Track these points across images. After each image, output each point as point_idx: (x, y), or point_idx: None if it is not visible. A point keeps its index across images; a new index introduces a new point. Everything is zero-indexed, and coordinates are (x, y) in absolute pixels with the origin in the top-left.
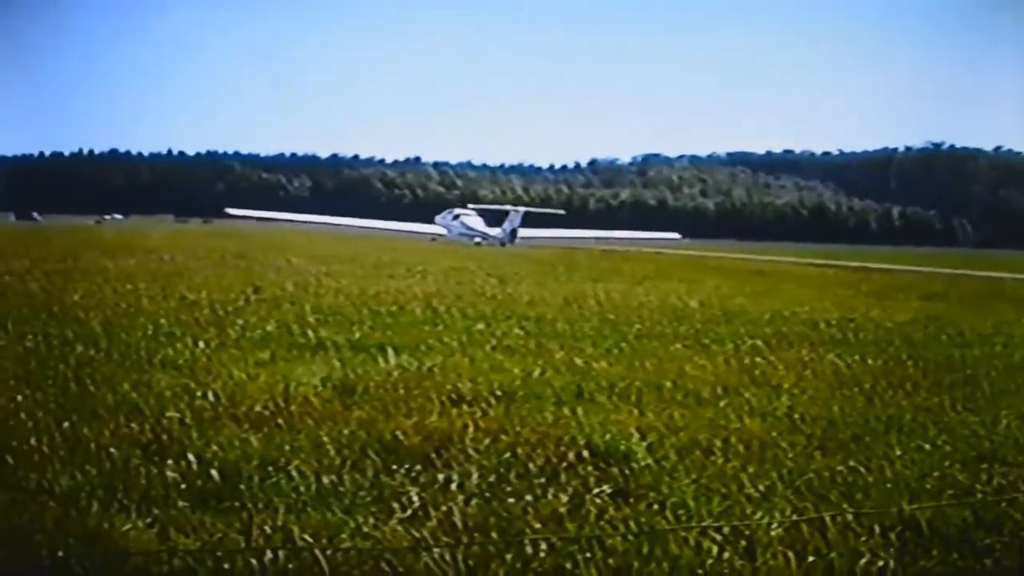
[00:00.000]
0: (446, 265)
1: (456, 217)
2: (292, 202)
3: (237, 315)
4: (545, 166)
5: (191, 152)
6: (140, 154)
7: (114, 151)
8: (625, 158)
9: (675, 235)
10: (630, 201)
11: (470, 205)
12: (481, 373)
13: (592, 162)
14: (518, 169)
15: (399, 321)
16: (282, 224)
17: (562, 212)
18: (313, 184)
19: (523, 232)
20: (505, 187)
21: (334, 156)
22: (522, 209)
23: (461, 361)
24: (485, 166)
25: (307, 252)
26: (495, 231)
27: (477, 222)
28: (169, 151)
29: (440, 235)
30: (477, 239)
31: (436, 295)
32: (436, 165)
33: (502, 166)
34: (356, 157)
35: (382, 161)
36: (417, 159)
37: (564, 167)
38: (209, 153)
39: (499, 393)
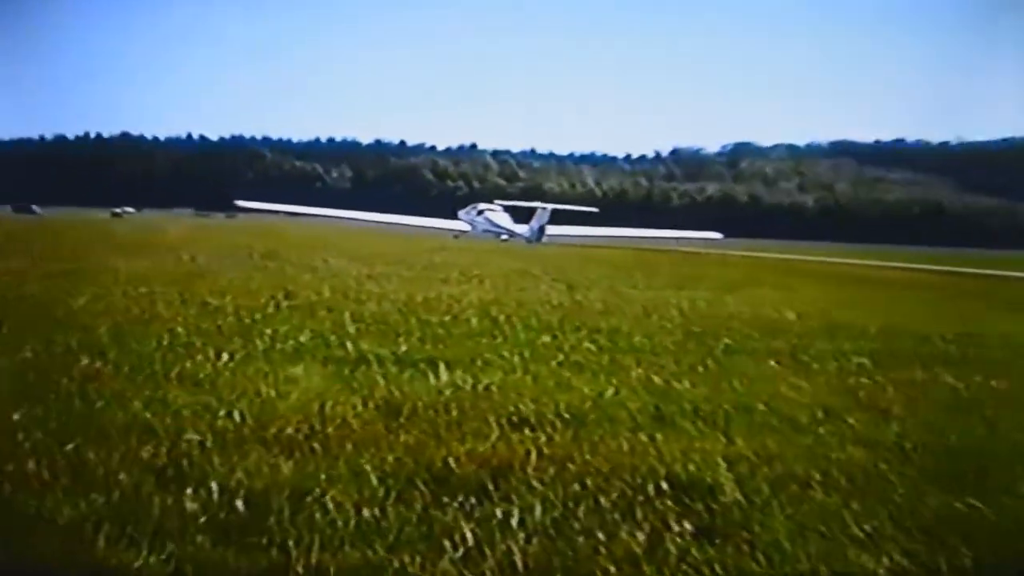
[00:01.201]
0: (506, 268)
1: (481, 213)
2: (330, 194)
3: (266, 323)
4: (620, 155)
5: (214, 137)
6: (155, 139)
7: (125, 135)
8: (712, 147)
9: (715, 234)
10: (718, 196)
11: (497, 201)
12: (546, 393)
13: (674, 152)
14: (590, 159)
15: (452, 332)
16: (318, 219)
17: (594, 209)
18: (354, 174)
19: (552, 230)
20: (575, 179)
21: (377, 143)
22: (550, 206)
23: (523, 379)
24: (552, 155)
25: (347, 251)
26: (522, 228)
27: (504, 218)
28: (189, 136)
29: (463, 231)
30: (504, 236)
31: (495, 302)
32: (495, 154)
33: (571, 156)
34: (403, 144)
35: (433, 148)
36: (473, 146)
37: (642, 157)
38: (234, 138)
39: (566, 416)
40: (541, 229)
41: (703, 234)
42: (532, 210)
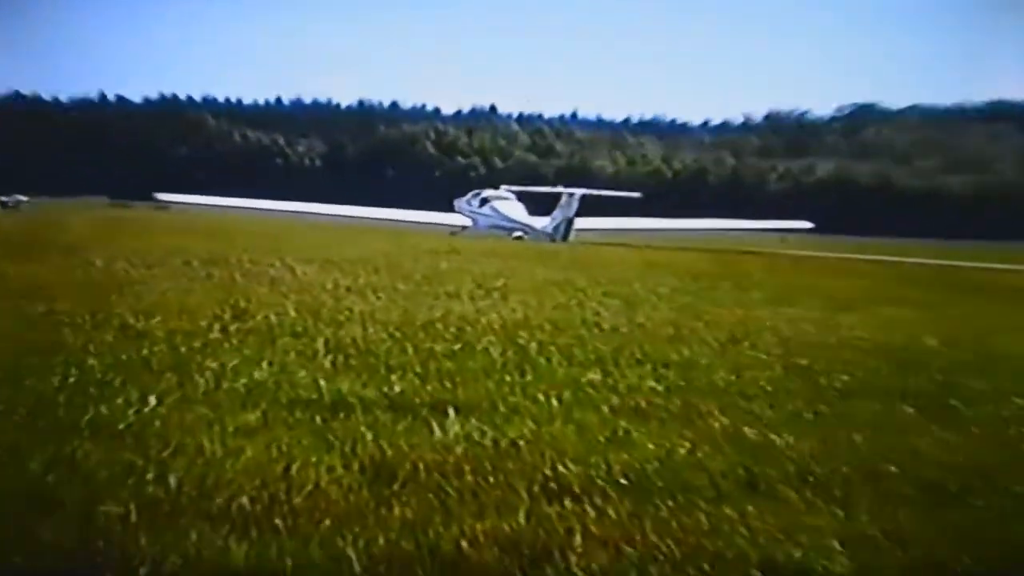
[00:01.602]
0: (539, 278)
1: (485, 202)
2: (296, 175)
3: (209, 354)
4: (696, 121)
5: (135, 97)
6: (57, 100)
7: (17, 95)
8: (823, 110)
9: (806, 223)
10: (833, 176)
11: (504, 186)
12: (594, 450)
13: (770, 117)
14: (654, 126)
15: (465, 366)
16: (283, 210)
17: (636, 194)
18: (328, 148)
19: (581, 223)
20: (633, 153)
21: (361, 105)
22: (579, 191)
23: (563, 431)
24: (602, 121)
25: (319, 255)
26: (541, 222)
27: (516, 209)
28: (102, 96)
29: (462, 228)
30: (517, 233)
31: (524, 325)
32: (523, 119)
33: (628, 122)
34: (395, 107)
35: (436, 112)
36: (492, 109)
37: (726, 124)
38: (164, 100)
39: (623, 482)
40: (568, 223)
41: (791, 224)
42: (554, 197)
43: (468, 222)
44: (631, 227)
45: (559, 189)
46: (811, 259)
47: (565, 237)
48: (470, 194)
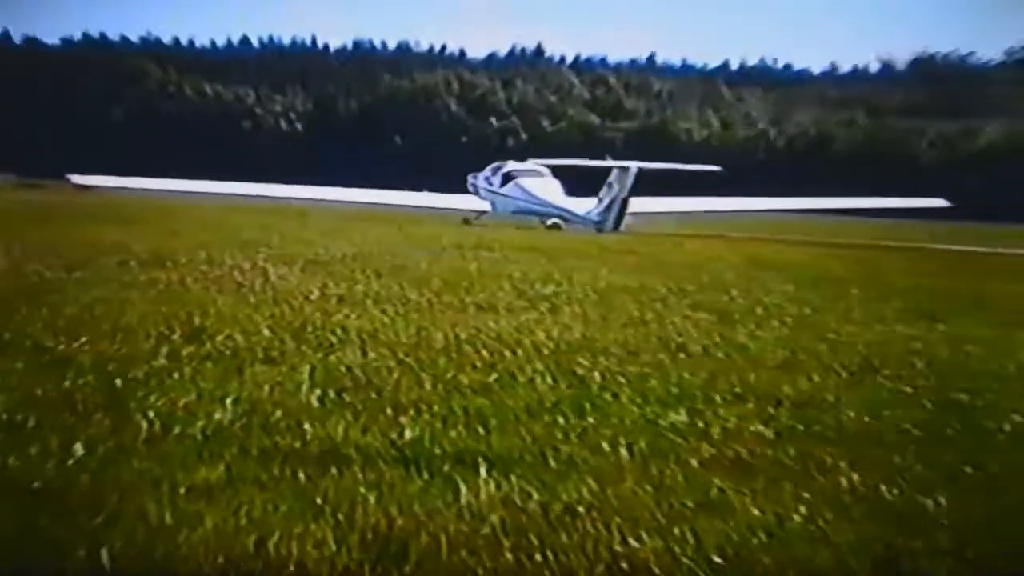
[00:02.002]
0: (601, 283)
1: (509, 178)
2: (269, 142)
3: (154, 388)
4: (817, 68)
5: (50, 38)
6: None
7: None
8: (990, 52)
9: (939, 201)
10: (1004, 142)
11: (533, 160)
12: (679, 518)
13: (918, 62)
14: (759, 75)
15: (502, 404)
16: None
17: (716, 168)
18: (314, 104)
19: (637, 205)
20: (731, 112)
21: (357, 47)
22: (634, 165)
23: (636, 492)
24: (688, 67)
25: (301, 251)
26: (583, 205)
27: (549, 189)
28: (6, 37)
29: (481, 212)
30: (552, 220)
31: (583, 347)
32: (580, 64)
33: (724, 69)
34: (405, 49)
35: (462, 56)
36: (539, 52)
37: (857, 72)
38: (89, 40)
39: (718, 560)
40: (622, 206)
41: (920, 202)
42: (599, 173)
43: (486, 206)
44: (702, 209)
45: (608, 163)
46: (973, 255)
47: (617, 225)
48: (488, 168)
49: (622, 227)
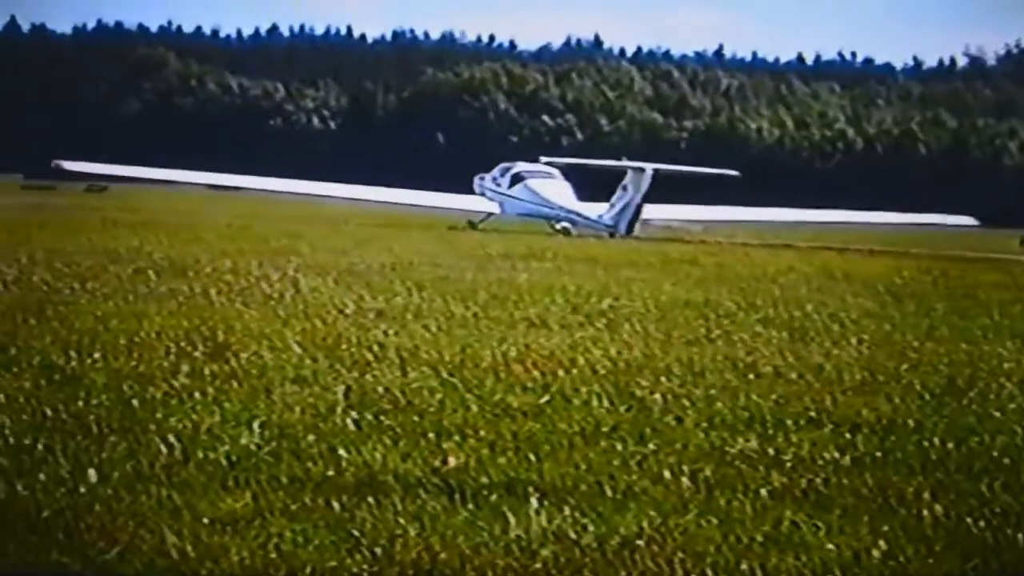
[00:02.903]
0: (662, 296)
1: (518, 180)
2: (302, 140)
3: (174, 410)
4: (900, 63)
5: (61, 27)
6: None
7: None
8: None
9: (968, 219)
10: None
11: (545, 159)
12: (748, 552)
13: (1011, 57)
14: (836, 69)
15: (555, 428)
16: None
17: (733, 173)
18: (350, 102)
19: (651, 212)
20: (805, 110)
21: (396, 37)
22: (650, 167)
23: (701, 524)
24: (758, 61)
25: (335, 260)
26: (596, 210)
27: (559, 191)
28: (13, 25)
29: (489, 214)
30: (562, 224)
31: (643, 367)
32: (642, 59)
33: (798, 63)
34: (449, 39)
35: (511, 48)
36: (597, 43)
37: (944, 67)
38: (106, 31)
39: None
40: (636, 210)
41: (951, 219)
42: (614, 174)
43: (494, 208)
44: (719, 218)
45: (624, 163)
46: None
47: (630, 230)
48: (497, 169)
49: (635, 232)
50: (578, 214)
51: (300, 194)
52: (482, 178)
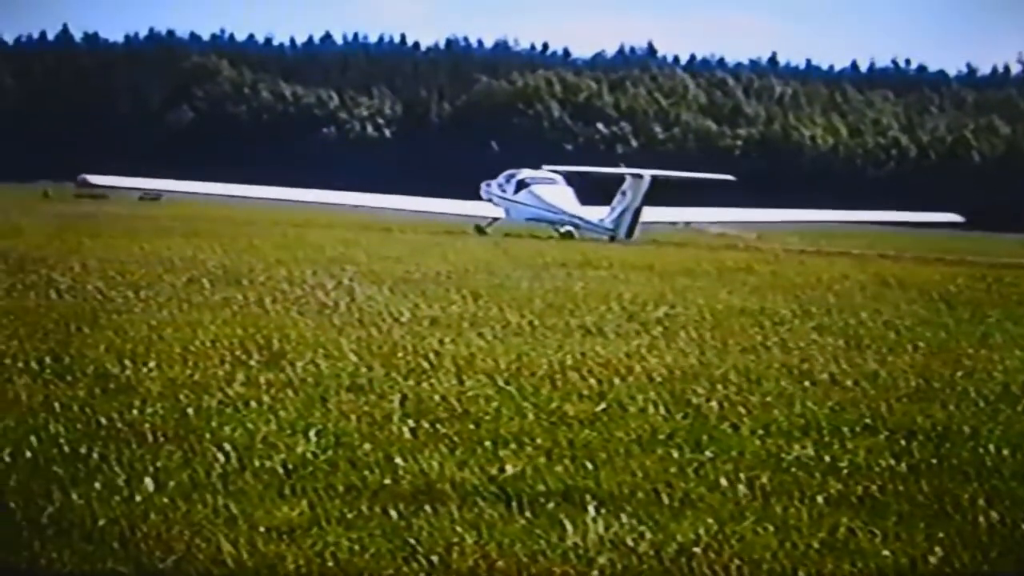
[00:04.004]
0: (722, 304)
1: (523, 187)
2: (356, 148)
3: (229, 418)
4: (954, 69)
5: (114, 36)
6: None
7: None
8: None
9: (954, 216)
10: None
11: (547, 167)
12: (804, 559)
13: None
14: (890, 76)
15: (611, 436)
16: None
17: (728, 177)
18: (404, 110)
19: (650, 215)
20: (859, 117)
21: (450, 45)
22: (648, 173)
23: (758, 531)
24: (812, 68)
25: (390, 269)
26: (597, 213)
27: (562, 196)
28: (65, 34)
29: (494, 219)
30: (565, 227)
31: (699, 375)
32: (696, 66)
33: (852, 71)
34: (504, 47)
35: (565, 56)
36: (651, 50)
37: (997, 74)
38: (158, 39)
39: None
40: (635, 215)
41: (936, 216)
42: (612, 181)
43: (500, 212)
44: (720, 220)
45: (622, 170)
46: None
47: (630, 233)
48: (502, 176)
49: (635, 236)
50: (580, 218)
51: (303, 202)
52: (488, 184)
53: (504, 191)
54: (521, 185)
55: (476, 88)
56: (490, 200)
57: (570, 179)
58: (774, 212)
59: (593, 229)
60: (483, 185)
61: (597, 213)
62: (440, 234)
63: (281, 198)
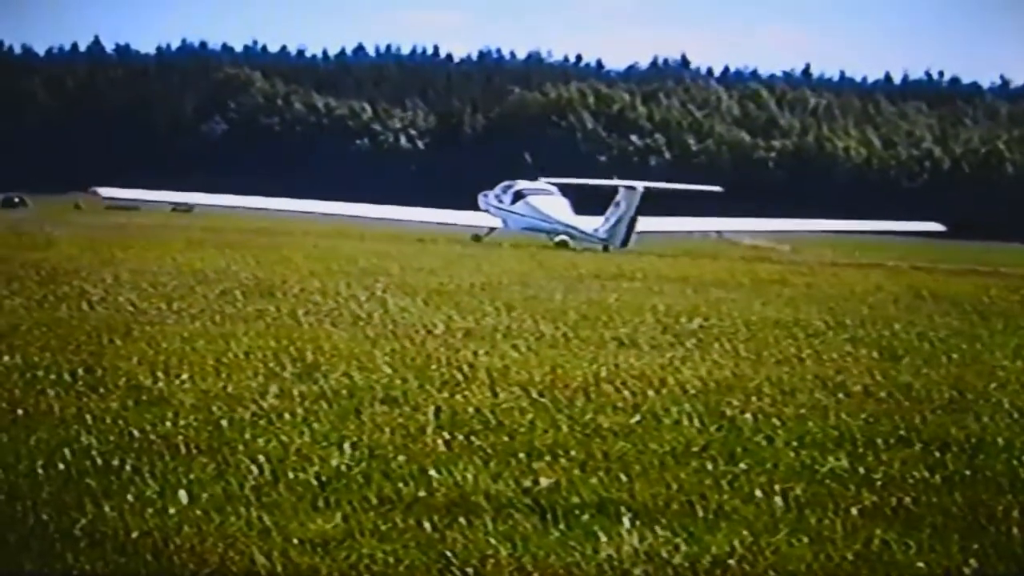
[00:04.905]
0: (756, 316)
1: (520, 197)
2: (390, 161)
3: (263, 430)
4: (987, 81)
5: (146, 48)
6: (28, 52)
7: None
8: None
9: (935, 225)
10: None
11: (543, 178)
12: (839, 571)
13: None
14: (923, 88)
15: (645, 447)
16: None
17: (717, 189)
18: (438, 121)
19: (646, 224)
20: (893, 128)
21: (484, 57)
22: (639, 185)
23: (792, 543)
24: (846, 80)
25: (423, 281)
26: (591, 224)
27: (557, 207)
28: (96, 46)
29: (491, 229)
30: (560, 237)
31: (734, 387)
32: (729, 78)
33: (885, 82)
34: (536, 59)
35: (598, 67)
36: (684, 62)
37: None
38: (190, 51)
39: None
40: (630, 224)
41: (919, 225)
42: (605, 192)
43: (497, 222)
44: (711, 229)
45: (615, 182)
46: None
47: (625, 242)
48: (499, 187)
49: (630, 245)
50: (575, 228)
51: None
52: (486, 195)
53: (501, 202)
54: (518, 196)
55: (509, 100)
56: (487, 211)
57: (565, 190)
58: (762, 222)
59: (588, 238)
60: (481, 196)
61: (592, 223)
62: (472, 245)
63: (291, 210)
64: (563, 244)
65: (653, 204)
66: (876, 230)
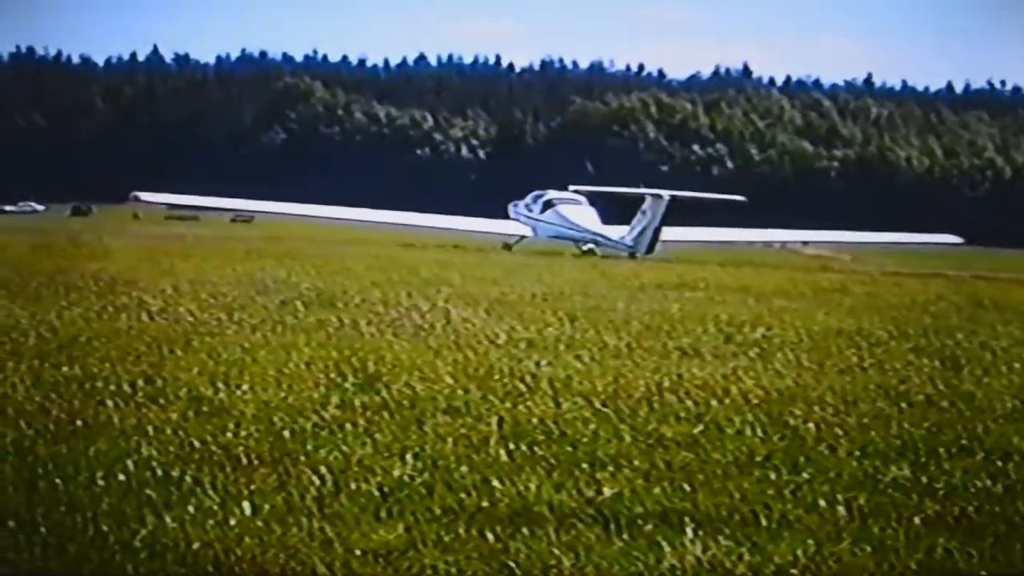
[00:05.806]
0: (818, 326)
1: (549, 206)
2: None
3: (324, 441)
4: None
5: (205, 57)
6: (86, 61)
7: (28, 53)
8: None
9: (952, 238)
10: None
11: (573, 187)
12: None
13: None
14: (986, 96)
15: (708, 457)
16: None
17: (740, 198)
18: (499, 128)
19: (671, 233)
20: (955, 138)
21: (546, 66)
22: (666, 193)
23: (856, 552)
24: (908, 90)
25: (486, 291)
26: (617, 232)
27: (585, 215)
28: (155, 55)
29: (522, 237)
30: (588, 245)
31: (797, 396)
32: (792, 87)
33: (947, 92)
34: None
35: (660, 77)
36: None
37: None
38: (250, 60)
39: None
40: (654, 232)
41: (934, 237)
42: (632, 201)
43: (527, 231)
44: (731, 239)
45: (642, 190)
46: None
47: (650, 250)
48: (529, 196)
49: (655, 252)
50: (602, 236)
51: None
52: (516, 205)
53: (531, 211)
54: (547, 205)
55: (571, 109)
56: (517, 220)
57: (592, 199)
58: (780, 232)
59: (614, 246)
60: (511, 206)
61: (618, 231)
62: (534, 255)
63: (355, 219)
64: (591, 252)
65: (705, 215)
66: (888, 241)
